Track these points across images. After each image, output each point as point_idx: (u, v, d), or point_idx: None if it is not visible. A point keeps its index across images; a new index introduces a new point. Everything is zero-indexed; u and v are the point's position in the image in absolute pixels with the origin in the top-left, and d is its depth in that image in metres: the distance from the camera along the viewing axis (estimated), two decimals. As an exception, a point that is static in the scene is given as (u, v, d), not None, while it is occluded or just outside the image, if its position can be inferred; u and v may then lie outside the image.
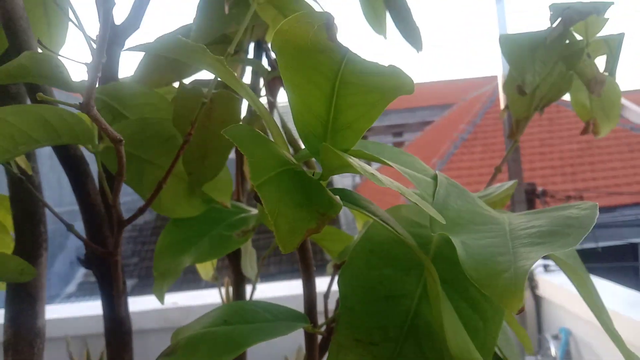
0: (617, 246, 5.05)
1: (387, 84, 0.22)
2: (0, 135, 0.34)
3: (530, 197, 3.61)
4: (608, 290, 1.62)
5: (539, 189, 4.00)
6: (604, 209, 5.41)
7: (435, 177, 0.29)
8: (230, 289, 0.76)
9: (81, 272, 7.47)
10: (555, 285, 1.74)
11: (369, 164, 0.28)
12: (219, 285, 0.74)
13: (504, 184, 0.41)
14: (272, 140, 0.24)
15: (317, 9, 0.68)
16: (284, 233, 0.19)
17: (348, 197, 0.25)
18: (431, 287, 0.27)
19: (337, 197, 0.22)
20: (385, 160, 0.24)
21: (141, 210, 0.39)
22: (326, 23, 0.21)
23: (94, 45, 0.52)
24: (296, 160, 0.23)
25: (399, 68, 0.21)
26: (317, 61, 0.22)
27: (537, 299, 1.85)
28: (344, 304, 0.30)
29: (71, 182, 0.47)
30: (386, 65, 0.21)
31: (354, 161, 0.21)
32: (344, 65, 0.22)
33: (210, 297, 1.70)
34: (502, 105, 1.88)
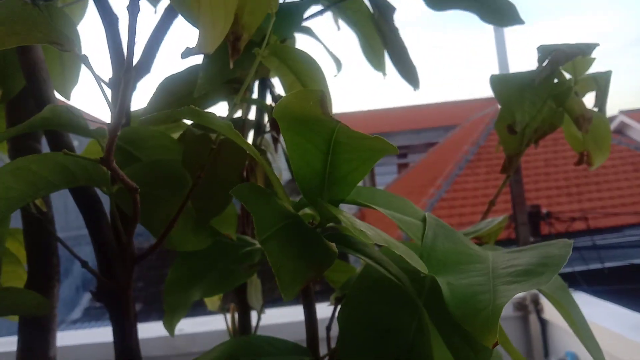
0: (623, 267, 5.02)
1: (375, 146, 0.24)
2: (24, 183, 0.37)
3: (534, 220, 3.62)
4: (613, 313, 1.62)
5: (544, 210, 4.01)
6: (609, 230, 5.39)
7: (424, 219, 0.32)
8: (237, 316, 0.78)
9: (87, 298, 7.47)
10: (560, 309, 1.74)
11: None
12: (225, 313, 0.76)
13: (495, 219, 0.43)
14: (274, 191, 0.26)
15: (319, 47, 0.71)
16: (286, 283, 0.21)
17: (344, 241, 0.27)
18: (425, 323, 0.29)
19: (333, 244, 0.24)
20: (376, 207, 0.27)
21: (153, 248, 0.41)
22: (320, 100, 0.23)
23: (104, 86, 0.55)
24: (295, 210, 0.26)
25: (381, 137, 0.24)
26: (313, 126, 0.24)
27: (543, 323, 1.85)
28: (343, 338, 0.32)
29: (85, 219, 0.50)
30: (372, 135, 0.24)
31: (344, 217, 0.24)
32: (337, 131, 0.24)
33: (216, 323, 1.71)
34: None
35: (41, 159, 0.39)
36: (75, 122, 0.39)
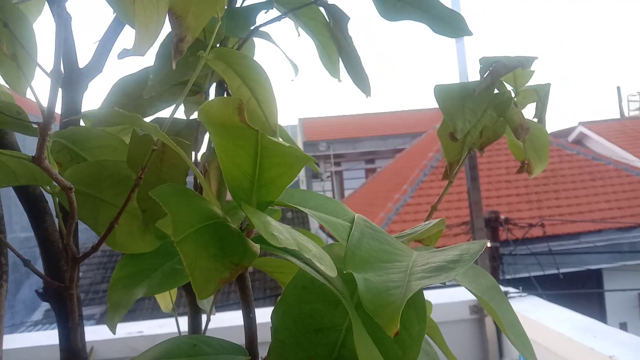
0: (578, 272, 5.17)
1: (296, 154, 0.25)
2: (-40, 179, 0.37)
3: (493, 225, 3.71)
4: (564, 316, 1.67)
5: (502, 217, 4.11)
6: (566, 236, 5.56)
7: (353, 221, 0.33)
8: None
9: (47, 299, 7.26)
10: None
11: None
12: (176, 315, 0.76)
13: (431, 222, 0.45)
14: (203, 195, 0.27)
15: (274, 50, 0.72)
16: (200, 283, 0.22)
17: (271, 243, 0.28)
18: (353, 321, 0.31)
19: (257, 245, 0.25)
20: (306, 210, 0.28)
21: (94, 248, 0.41)
22: (238, 108, 0.24)
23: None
24: (225, 212, 0.26)
25: (296, 147, 0.25)
26: (238, 131, 0.25)
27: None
28: (276, 337, 0.33)
29: (30, 219, 0.49)
30: (287, 145, 0.25)
31: (258, 220, 0.24)
32: (261, 137, 0.25)
33: (172, 326, 1.70)
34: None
35: (-20, 157, 0.39)
36: (18, 119, 0.39)
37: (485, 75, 0.53)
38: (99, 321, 6.82)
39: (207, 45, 0.49)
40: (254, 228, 0.28)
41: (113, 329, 0.47)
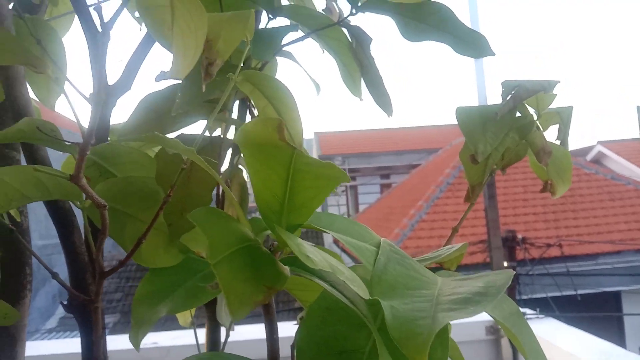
0: (595, 294, 5.09)
1: (330, 174, 0.26)
2: (-3, 194, 0.38)
3: (510, 245, 3.67)
4: (582, 340, 1.65)
5: (519, 236, 4.07)
6: (584, 257, 5.48)
7: (379, 245, 0.33)
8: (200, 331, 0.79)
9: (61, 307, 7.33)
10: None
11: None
12: (195, 328, 0.76)
13: (455, 246, 0.45)
14: (235, 215, 0.28)
15: (298, 70, 0.73)
16: (235, 306, 0.23)
17: (301, 264, 0.28)
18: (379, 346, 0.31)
19: (287, 268, 0.25)
20: (333, 233, 0.28)
21: (122, 263, 0.42)
22: (278, 127, 0.25)
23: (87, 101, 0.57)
24: (256, 234, 0.27)
25: (334, 164, 0.26)
26: (273, 153, 0.26)
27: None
28: (300, 357, 0.33)
29: (58, 232, 0.51)
30: (327, 163, 0.25)
31: (292, 243, 0.25)
32: (295, 158, 0.26)
33: (190, 338, 1.71)
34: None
35: (15, 171, 0.40)
36: (52, 136, 0.40)
37: (507, 99, 0.53)
38: (112, 330, 6.86)
39: (234, 66, 0.51)
40: (281, 250, 0.28)
41: (137, 346, 0.48)
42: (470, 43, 0.65)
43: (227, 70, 0.52)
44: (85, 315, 0.55)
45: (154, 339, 1.80)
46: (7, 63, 0.27)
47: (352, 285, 0.26)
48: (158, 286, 0.51)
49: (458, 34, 0.65)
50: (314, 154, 12.56)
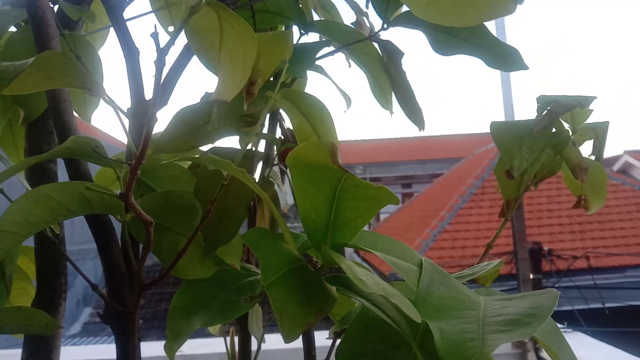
0: (623, 308, 4.97)
1: (378, 196, 0.26)
2: (44, 209, 0.39)
3: (536, 257, 3.61)
4: (612, 356, 1.61)
5: (545, 248, 4.01)
6: (611, 270, 5.36)
7: (421, 264, 0.34)
8: (236, 339, 0.79)
9: (86, 313, 7.43)
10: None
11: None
12: (225, 335, 0.77)
13: (491, 263, 0.45)
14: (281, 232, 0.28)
15: (329, 84, 0.74)
16: (287, 327, 0.23)
17: (345, 283, 0.29)
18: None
19: (334, 288, 0.26)
20: (377, 252, 0.28)
21: (162, 276, 0.43)
22: (331, 150, 0.26)
23: (123, 116, 0.58)
24: (300, 251, 0.27)
25: (385, 188, 0.26)
26: (322, 174, 0.26)
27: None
28: (341, 374, 0.33)
29: (97, 244, 0.52)
30: (378, 186, 0.26)
31: (345, 265, 0.25)
32: (344, 180, 0.26)
33: (215, 346, 1.72)
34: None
35: (61, 187, 0.41)
36: (97, 153, 0.41)
37: (543, 114, 0.53)
38: (136, 337, 6.90)
39: (269, 81, 0.51)
40: (324, 268, 0.29)
41: (172, 357, 0.48)
42: (503, 57, 0.65)
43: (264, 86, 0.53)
44: (122, 326, 0.56)
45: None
46: (65, 87, 0.28)
47: (405, 309, 0.26)
48: (193, 298, 0.52)
49: (490, 47, 0.65)
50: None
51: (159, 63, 0.29)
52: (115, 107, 0.56)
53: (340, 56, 0.76)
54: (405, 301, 0.27)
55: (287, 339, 0.23)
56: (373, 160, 12.26)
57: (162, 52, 0.28)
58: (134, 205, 0.31)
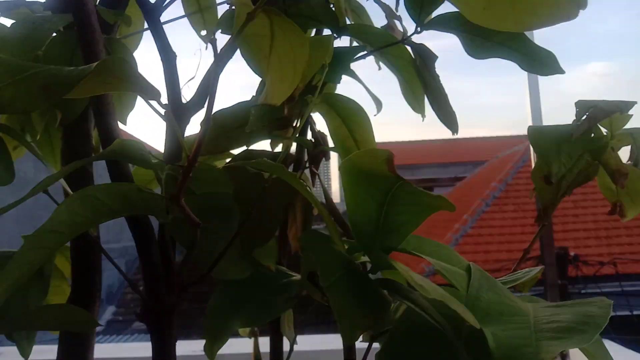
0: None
1: (432, 203, 0.27)
2: (89, 210, 0.40)
3: (562, 262, 3.56)
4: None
5: (572, 253, 3.95)
6: (639, 276, 5.25)
7: (468, 269, 0.34)
8: (260, 340, 0.80)
9: (110, 311, 7.53)
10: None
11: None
12: (256, 338, 0.78)
13: (532, 270, 0.44)
14: (331, 236, 0.29)
15: (360, 89, 0.74)
16: (347, 329, 0.23)
17: (393, 287, 0.29)
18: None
19: (385, 292, 0.26)
20: (424, 256, 0.29)
21: (202, 277, 0.44)
22: (387, 159, 0.26)
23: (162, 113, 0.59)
24: (348, 254, 0.28)
25: (442, 196, 0.26)
26: (375, 180, 0.27)
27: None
28: (383, 378, 0.34)
29: (137, 245, 0.53)
30: (434, 194, 0.26)
31: (402, 270, 0.26)
32: (398, 186, 0.27)
33: (238, 346, 1.72)
34: (533, 165, 1.91)
35: (107, 188, 0.42)
36: (141, 155, 0.42)
37: (582, 119, 0.53)
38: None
39: (310, 88, 0.52)
40: (375, 272, 0.29)
41: (212, 358, 0.49)
42: (539, 61, 0.65)
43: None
44: (158, 325, 0.56)
45: (200, 347, 1.82)
46: (120, 91, 0.29)
47: (466, 317, 0.26)
48: (230, 299, 0.53)
49: (526, 51, 0.64)
50: (356, 165, 12.51)
51: (216, 69, 0.30)
52: (156, 111, 0.57)
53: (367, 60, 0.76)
54: (462, 307, 0.27)
55: (347, 340, 0.23)
56: (395, 163, 12.17)
57: (220, 58, 0.28)
58: (184, 207, 0.32)
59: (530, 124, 1.98)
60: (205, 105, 0.33)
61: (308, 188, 0.74)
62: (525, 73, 2.04)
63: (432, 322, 0.31)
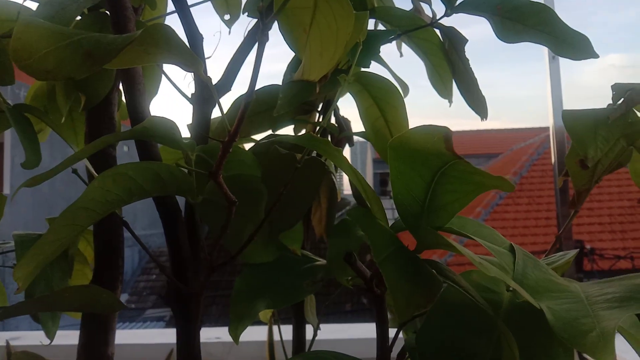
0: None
1: (483, 181, 0.26)
2: (121, 188, 0.40)
3: (578, 255, 3.51)
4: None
5: (587, 247, 3.91)
6: (656, 271, 5.18)
7: (511, 249, 0.33)
8: (275, 327, 0.80)
9: (123, 298, 7.58)
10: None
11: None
12: (279, 325, 0.78)
13: (567, 253, 0.44)
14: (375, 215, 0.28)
15: (388, 76, 0.73)
16: (402, 306, 0.23)
17: (436, 268, 0.28)
18: (506, 352, 0.30)
19: (434, 271, 0.25)
20: (470, 235, 0.28)
21: (232, 258, 0.43)
22: (445, 136, 0.25)
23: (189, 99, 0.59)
24: (394, 231, 0.27)
25: (491, 175, 0.25)
26: (426, 159, 0.26)
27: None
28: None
29: (164, 226, 0.52)
30: (485, 172, 0.25)
31: (459, 247, 0.25)
32: (451, 164, 0.26)
33: (255, 334, 1.72)
34: (552, 159, 1.88)
35: (138, 167, 0.42)
36: (172, 134, 0.41)
37: (619, 102, 0.51)
38: (169, 323, 7.05)
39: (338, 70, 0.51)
40: (419, 252, 0.28)
41: (236, 340, 0.49)
42: (571, 44, 0.63)
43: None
44: (183, 307, 0.56)
45: (217, 334, 1.83)
46: (161, 62, 0.29)
47: (526, 295, 0.25)
48: (256, 282, 0.52)
49: (559, 35, 0.63)
50: (368, 157, 12.50)
51: (261, 48, 0.29)
52: (183, 94, 0.56)
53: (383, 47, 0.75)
54: (518, 285, 0.26)
55: (401, 317, 0.22)
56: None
57: (264, 31, 0.28)
58: (221, 184, 0.31)
59: (551, 115, 1.96)
60: (249, 80, 0.32)
61: (332, 174, 0.73)
62: (545, 65, 2.00)
63: (471, 304, 0.30)
